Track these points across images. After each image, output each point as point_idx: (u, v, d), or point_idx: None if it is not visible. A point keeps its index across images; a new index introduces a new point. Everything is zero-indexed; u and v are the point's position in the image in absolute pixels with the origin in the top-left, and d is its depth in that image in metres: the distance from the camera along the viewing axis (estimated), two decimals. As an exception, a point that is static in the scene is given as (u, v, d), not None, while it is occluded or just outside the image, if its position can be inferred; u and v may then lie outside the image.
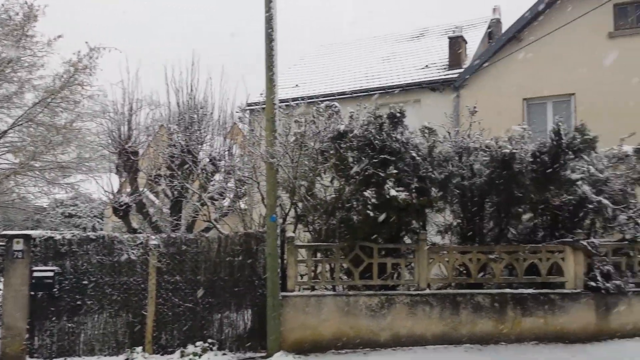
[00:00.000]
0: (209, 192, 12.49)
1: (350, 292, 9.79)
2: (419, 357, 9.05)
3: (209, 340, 9.64)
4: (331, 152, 9.94)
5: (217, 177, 13.09)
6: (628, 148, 10.66)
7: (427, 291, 9.82)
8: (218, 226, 11.73)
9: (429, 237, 10.30)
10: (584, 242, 9.83)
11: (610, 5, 14.17)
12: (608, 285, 9.71)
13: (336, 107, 11.14)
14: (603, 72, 14.02)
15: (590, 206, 9.90)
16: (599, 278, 9.77)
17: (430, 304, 9.68)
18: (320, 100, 12.09)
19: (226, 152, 13.32)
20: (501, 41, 15.64)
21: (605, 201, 9.86)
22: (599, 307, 9.80)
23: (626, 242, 10.14)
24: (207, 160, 12.80)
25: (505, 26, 18.20)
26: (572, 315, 9.75)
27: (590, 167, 10.01)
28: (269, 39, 9.93)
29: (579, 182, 9.75)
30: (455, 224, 10.66)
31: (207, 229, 12.22)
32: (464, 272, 10.22)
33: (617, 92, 13.63)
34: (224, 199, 12.87)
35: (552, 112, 14.75)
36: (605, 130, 10.72)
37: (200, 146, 12.78)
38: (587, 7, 13.69)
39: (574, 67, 14.39)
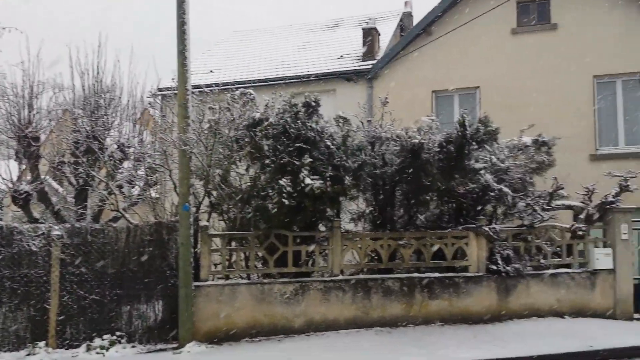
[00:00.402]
0: (117, 180, 11.99)
1: (265, 280, 9.81)
2: (332, 341, 9.22)
3: (118, 333, 9.38)
4: (246, 140, 9.86)
5: (126, 164, 12.59)
6: (527, 139, 11.35)
7: (341, 277, 10.02)
8: (127, 216, 11.30)
9: (343, 225, 10.49)
10: (486, 228, 10.39)
11: (514, 3, 14.94)
12: (508, 268, 10.33)
13: (251, 94, 11.02)
14: (506, 67, 14.76)
15: (492, 194, 10.44)
16: (499, 262, 10.37)
17: (343, 290, 9.89)
18: (235, 87, 11.91)
19: (136, 139, 12.82)
20: (412, 34, 16.05)
21: (506, 189, 10.42)
22: (499, 289, 10.40)
23: (525, 228, 10.79)
24: (115, 146, 12.27)
25: (416, 19, 18.67)
26: (475, 298, 10.30)
27: (493, 157, 10.54)
28: (181, 23, 9.70)
29: (482, 171, 10.24)
30: (367, 211, 10.94)
31: (115, 219, 11.74)
32: (376, 257, 10.50)
33: (518, 86, 14.41)
34: (133, 187, 12.39)
35: (458, 104, 15.34)
36: (507, 122, 11.37)
37: (107, 132, 12.23)
38: (492, 4, 14.33)
39: (479, 62, 15.05)
